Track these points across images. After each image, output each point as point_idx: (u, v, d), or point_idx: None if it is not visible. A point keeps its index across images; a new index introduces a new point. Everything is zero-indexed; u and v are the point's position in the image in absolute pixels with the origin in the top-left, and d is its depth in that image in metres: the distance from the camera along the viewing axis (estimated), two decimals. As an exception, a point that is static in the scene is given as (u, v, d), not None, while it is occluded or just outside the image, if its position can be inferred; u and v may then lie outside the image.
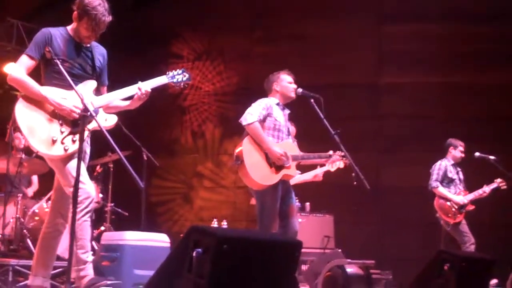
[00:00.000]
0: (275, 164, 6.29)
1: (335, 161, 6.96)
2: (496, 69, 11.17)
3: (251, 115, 6.31)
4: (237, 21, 12.61)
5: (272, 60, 11.57)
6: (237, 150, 6.32)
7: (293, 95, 6.61)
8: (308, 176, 8.39)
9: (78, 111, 4.76)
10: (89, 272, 4.85)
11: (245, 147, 6.27)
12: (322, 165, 8.05)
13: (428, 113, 11.32)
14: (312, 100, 6.47)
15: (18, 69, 4.89)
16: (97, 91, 5.20)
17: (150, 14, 13.00)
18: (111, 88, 5.32)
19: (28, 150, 8.77)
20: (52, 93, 4.85)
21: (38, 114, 4.81)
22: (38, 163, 8.68)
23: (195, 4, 12.82)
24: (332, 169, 7.44)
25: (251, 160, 6.22)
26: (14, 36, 11.68)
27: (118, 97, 5.20)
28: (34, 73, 4.97)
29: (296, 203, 8.70)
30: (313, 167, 8.20)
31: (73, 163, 4.73)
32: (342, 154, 6.67)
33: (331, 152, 6.82)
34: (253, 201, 7.13)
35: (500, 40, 11.23)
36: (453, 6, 11.42)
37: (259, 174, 6.22)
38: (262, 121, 6.41)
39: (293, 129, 7.28)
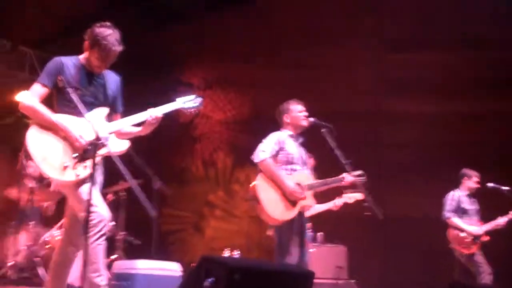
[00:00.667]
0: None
1: (352, 193, 6.91)
2: (499, 95, 11.11)
3: (263, 151, 6.32)
4: (247, 50, 12.64)
5: (281, 88, 11.59)
6: (251, 186, 6.31)
7: (305, 123, 6.60)
8: (325, 207, 8.35)
9: (83, 142, 4.77)
10: None
11: (260, 184, 6.27)
12: (339, 197, 8.02)
13: (431, 141, 11.26)
14: (323, 130, 6.46)
15: (31, 97, 4.92)
16: (110, 118, 5.21)
17: (159, 43, 13.05)
18: (121, 116, 5.33)
19: (41, 178, 8.79)
20: (63, 120, 4.86)
21: (49, 141, 4.82)
22: (49, 191, 8.68)
23: (205, 32, 12.89)
24: (350, 201, 7.41)
25: (267, 197, 6.22)
26: (27, 65, 11.78)
27: (129, 123, 5.21)
28: (46, 102, 4.98)
29: (308, 232, 8.68)
30: (330, 195, 8.13)
31: (85, 188, 4.71)
32: (357, 173, 6.61)
33: (344, 174, 6.71)
34: (269, 232, 7.10)
35: (503, 66, 11.20)
36: (455, 33, 11.42)
37: (277, 210, 6.21)
38: (275, 155, 6.40)
39: (310, 161, 7.24)
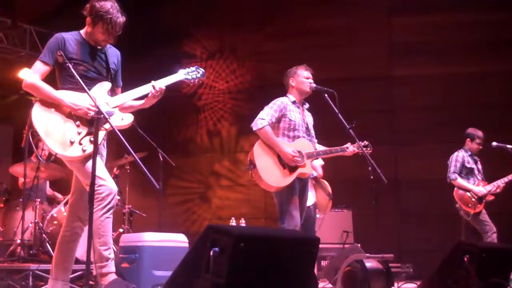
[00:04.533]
0: (289, 165, 6.27)
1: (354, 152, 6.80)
2: (509, 56, 11.09)
3: (262, 119, 6.31)
4: (248, 18, 12.63)
5: (285, 56, 11.58)
6: (249, 153, 6.33)
7: (308, 89, 6.57)
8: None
9: (93, 110, 4.76)
10: (111, 269, 4.86)
11: (256, 151, 6.28)
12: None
13: (442, 103, 11.28)
14: (326, 95, 6.45)
15: (33, 75, 4.92)
16: (112, 93, 5.20)
17: (161, 14, 13.03)
18: (123, 89, 5.32)
19: (49, 157, 8.82)
20: (68, 96, 4.87)
21: (55, 117, 4.83)
22: (54, 168, 8.71)
23: (206, 2, 12.85)
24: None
25: (263, 164, 6.22)
26: (28, 41, 11.78)
27: (133, 97, 5.20)
28: (49, 78, 4.98)
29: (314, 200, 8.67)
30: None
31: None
32: (364, 144, 6.58)
33: (348, 144, 6.69)
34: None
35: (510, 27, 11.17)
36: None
37: (272, 177, 6.21)
38: (277, 122, 6.41)
39: None
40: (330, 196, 8.17)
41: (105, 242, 4.84)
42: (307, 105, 6.74)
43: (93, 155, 4.51)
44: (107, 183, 4.85)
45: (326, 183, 8.17)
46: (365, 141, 6.63)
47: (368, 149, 6.62)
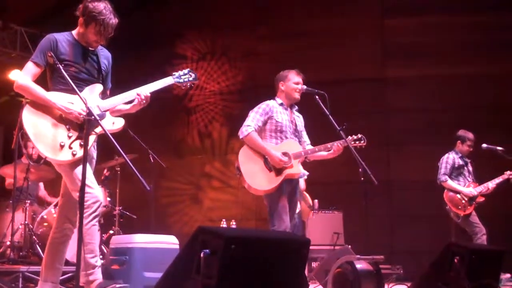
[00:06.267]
0: (275, 168, 6.27)
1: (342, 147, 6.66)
2: (501, 58, 11.12)
3: (247, 126, 6.35)
4: (240, 19, 12.62)
5: (277, 57, 11.59)
6: (236, 162, 6.34)
7: (297, 96, 6.55)
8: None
9: (83, 114, 4.74)
10: (98, 276, 4.85)
11: (241, 158, 6.33)
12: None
13: (434, 105, 11.29)
14: (317, 97, 6.43)
15: (24, 76, 4.89)
16: (103, 95, 5.17)
17: (152, 15, 13.02)
18: (113, 90, 5.29)
19: (38, 159, 8.78)
20: (59, 98, 4.85)
21: (45, 120, 4.80)
22: (45, 170, 8.68)
23: (197, 3, 12.84)
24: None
25: (248, 170, 6.26)
26: (18, 42, 11.73)
27: (124, 100, 5.16)
28: (40, 79, 4.96)
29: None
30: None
31: (81, 168, 4.69)
32: (356, 137, 6.52)
33: (335, 142, 6.43)
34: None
35: (505, 29, 11.19)
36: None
37: (258, 181, 6.25)
38: (264, 125, 6.42)
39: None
40: (311, 207, 8.34)
41: (92, 249, 4.83)
42: (296, 107, 6.72)
43: (83, 159, 4.46)
44: (93, 191, 4.84)
45: (307, 195, 8.28)
46: (358, 134, 6.58)
47: (362, 142, 6.52)
